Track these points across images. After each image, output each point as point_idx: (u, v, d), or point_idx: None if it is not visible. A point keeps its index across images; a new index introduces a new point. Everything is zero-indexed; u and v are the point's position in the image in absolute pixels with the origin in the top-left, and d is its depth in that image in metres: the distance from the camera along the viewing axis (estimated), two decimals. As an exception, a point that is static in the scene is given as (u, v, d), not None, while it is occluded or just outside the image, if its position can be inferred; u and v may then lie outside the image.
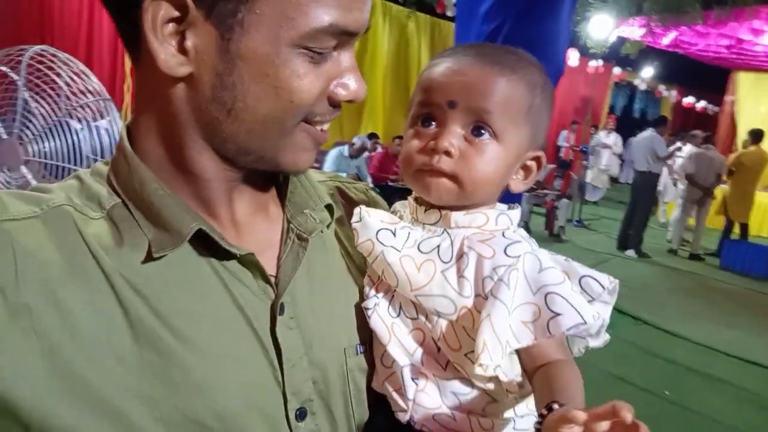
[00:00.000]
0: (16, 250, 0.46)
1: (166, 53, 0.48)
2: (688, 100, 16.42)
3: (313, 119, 0.53)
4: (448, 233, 0.61)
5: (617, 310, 4.71)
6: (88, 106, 2.16)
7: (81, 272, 0.48)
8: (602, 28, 7.31)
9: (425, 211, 0.63)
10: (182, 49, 0.48)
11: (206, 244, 0.52)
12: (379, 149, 7.39)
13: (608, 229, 8.51)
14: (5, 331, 0.44)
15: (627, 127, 13.13)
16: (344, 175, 6.66)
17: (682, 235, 7.66)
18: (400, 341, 0.60)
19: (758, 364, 3.95)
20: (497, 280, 0.56)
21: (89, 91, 2.16)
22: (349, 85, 0.53)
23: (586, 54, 9.58)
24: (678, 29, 8.13)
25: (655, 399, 3.30)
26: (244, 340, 0.53)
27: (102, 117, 2.19)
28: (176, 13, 0.47)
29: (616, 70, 14.10)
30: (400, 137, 7.99)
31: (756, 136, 7.56)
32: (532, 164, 0.65)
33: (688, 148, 7.83)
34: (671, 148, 7.49)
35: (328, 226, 0.64)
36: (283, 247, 0.58)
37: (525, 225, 7.52)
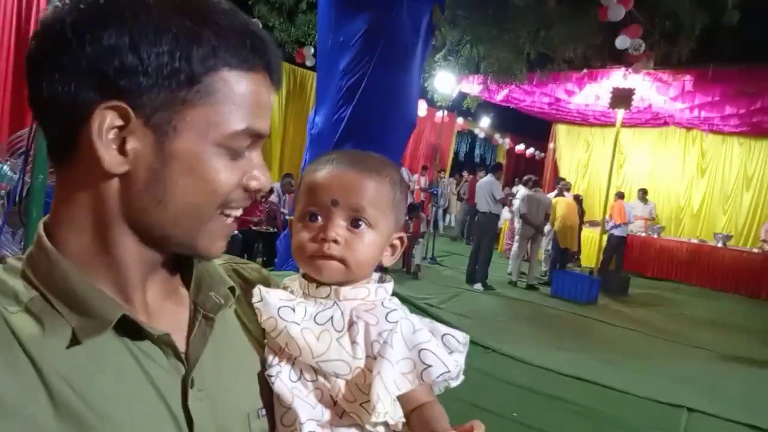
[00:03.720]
0: None
1: (110, 156, 0.54)
2: (520, 147, 18.54)
3: (229, 206, 0.61)
4: (338, 305, 0.72)
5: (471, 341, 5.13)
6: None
7: (11, 362, 0.50)
8: (446, 83, 8.10)
9: (316, 287, 0.74)
10: (122, 151, 0.54)
11: (123, 327, 0.57)
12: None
13: (458, 265, 9.22)
14: None
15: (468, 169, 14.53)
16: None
17: (519, 268, 8.58)
18: (302, 400, 0.70)
19: (586, 380, 4.57)
20: (383, 342, 0.69)
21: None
22: (259, 177, 0.62)
23: (433, 105, 10.47)
24: (509, 87, 9.29)
25: (505, 422, 3.66)
26: (158, 415, 0.57)
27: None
28: (119, 122, 0.53)
29: (459, 120, 15.53)
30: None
31: (560, 190, 9.05)
32: (397, 243, 0.80)
33: (521, 191, 8.87)
34: (506, 192, 8.51)
35: (229, 306, 0.70)
36: (192, 327, 0.64)
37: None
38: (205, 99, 0.55)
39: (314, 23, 7.12)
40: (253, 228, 6.62)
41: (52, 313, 0.54)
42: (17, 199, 2.19)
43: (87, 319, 0.55)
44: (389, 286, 0.77)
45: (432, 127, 14.18)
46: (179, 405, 0.59)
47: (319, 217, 0.73)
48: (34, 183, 2.11)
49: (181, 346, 0.62)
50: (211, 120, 0.56)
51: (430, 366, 0.68)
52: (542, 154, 17.58)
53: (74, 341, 0.54)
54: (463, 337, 0.73)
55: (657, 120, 11.79)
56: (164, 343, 0.59)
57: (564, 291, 7.88)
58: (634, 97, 7.97)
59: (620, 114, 8.14)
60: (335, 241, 0.72)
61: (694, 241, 11.07)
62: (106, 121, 0.53)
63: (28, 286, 0.56)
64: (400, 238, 0.80)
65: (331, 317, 0.71)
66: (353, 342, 0.70)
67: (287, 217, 7.43)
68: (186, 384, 0.60)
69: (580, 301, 7.65)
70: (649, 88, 8.95)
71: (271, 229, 7.14)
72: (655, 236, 11.06)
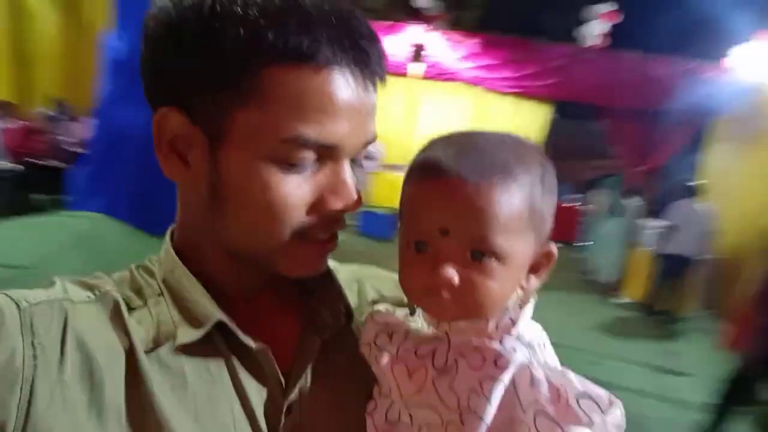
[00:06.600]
0: (68, 328, 0.50)
1: (169, 164, 0.54)
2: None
3: (304, 230, 0.54)
4: (447, 335, 0.56)
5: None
6: None
7: (119, 352, 0.52)
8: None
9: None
10: (184, 160, 0.54)
11: (225, 335, 0.55)
12: (12, 123, 6.18)
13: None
14: (52, 395, 0.48)
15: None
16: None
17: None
18: None
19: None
20: (481, 395, 0.51)
21: None
22: (340, 194, 0.54)
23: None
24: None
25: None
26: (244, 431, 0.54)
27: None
28: (173, 124, 0.52)
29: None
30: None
31: None
32: (542, 260, 0.58)
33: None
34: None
35: (344, 325, 0.64)
36: (299, 344, 0.60)
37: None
38: (255, 98, 0.49)
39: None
40: (38, 162, 5.74)
41: (166, 314, 0.56)
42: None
43: (188, 323, 0.55)
44: (523, 312, 0.56)
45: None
46: (265, 425, 0.55)
47: (428, 247, 0.54)
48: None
49: (285, 363, 0.58)
50: (260, 124, 0.49)
51: None
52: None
53: (175, 344, 0.54)
54: (609, 401, 0.50)
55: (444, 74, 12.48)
56: (262, 357, 0.56)
57: (371, 230, 7.62)
58: (425, 53, 8.72)
59: (415, 67, 8.87)
60: (449, 282, 0.53)
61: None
62: (160, 125, 0.53)
63: (155, 286, 0.58)
64: (546, 253, 0.58)
65: (434, 351, 0.56)
66: (449, 387, 0.53)
67: (71, 148, 6.38)
68: (280, 404, 0.56)
69: (382, 238, 7.49)
70: (443, 47, 9.84)
71: (58, 164, 6.20)
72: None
